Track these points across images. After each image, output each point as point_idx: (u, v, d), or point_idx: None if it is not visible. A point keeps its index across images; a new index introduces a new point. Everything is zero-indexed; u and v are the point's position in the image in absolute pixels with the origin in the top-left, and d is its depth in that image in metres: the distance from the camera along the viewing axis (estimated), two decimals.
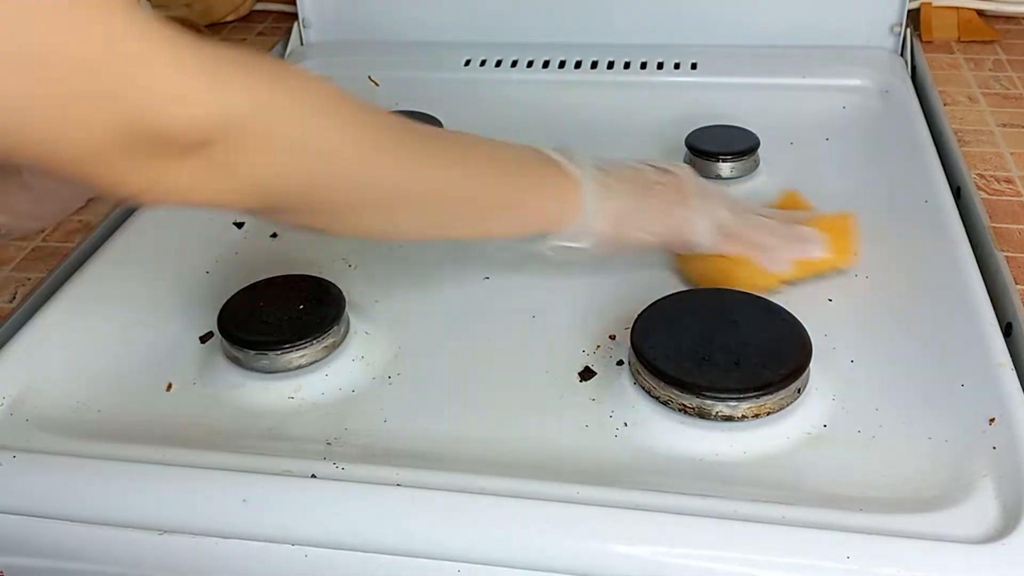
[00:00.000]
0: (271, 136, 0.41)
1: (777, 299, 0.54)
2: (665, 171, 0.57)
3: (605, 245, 0.55)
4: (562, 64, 0.87)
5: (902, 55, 0.86)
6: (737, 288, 0.55)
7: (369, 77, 0.71)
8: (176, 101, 0.38)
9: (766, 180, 0.70)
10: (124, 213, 0.70)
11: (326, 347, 0.54)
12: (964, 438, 0.48)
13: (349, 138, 0.46)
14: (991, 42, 0.89)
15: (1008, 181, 0.68)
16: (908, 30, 0.86)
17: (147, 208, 0.69)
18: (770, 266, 0.57)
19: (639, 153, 0.74)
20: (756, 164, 0.70)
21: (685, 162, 0.71)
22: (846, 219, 0.60)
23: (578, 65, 0.87)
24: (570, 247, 0.55)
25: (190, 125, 0.38)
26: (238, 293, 0.57)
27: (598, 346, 0.56)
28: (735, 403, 0.48)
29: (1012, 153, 0.71)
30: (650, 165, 0.58)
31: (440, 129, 0.54)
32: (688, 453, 0.48)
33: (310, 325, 0.54)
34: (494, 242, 0.61)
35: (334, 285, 0.57)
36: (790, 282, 0.58)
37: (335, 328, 0.54)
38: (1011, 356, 0.51)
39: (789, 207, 0.63)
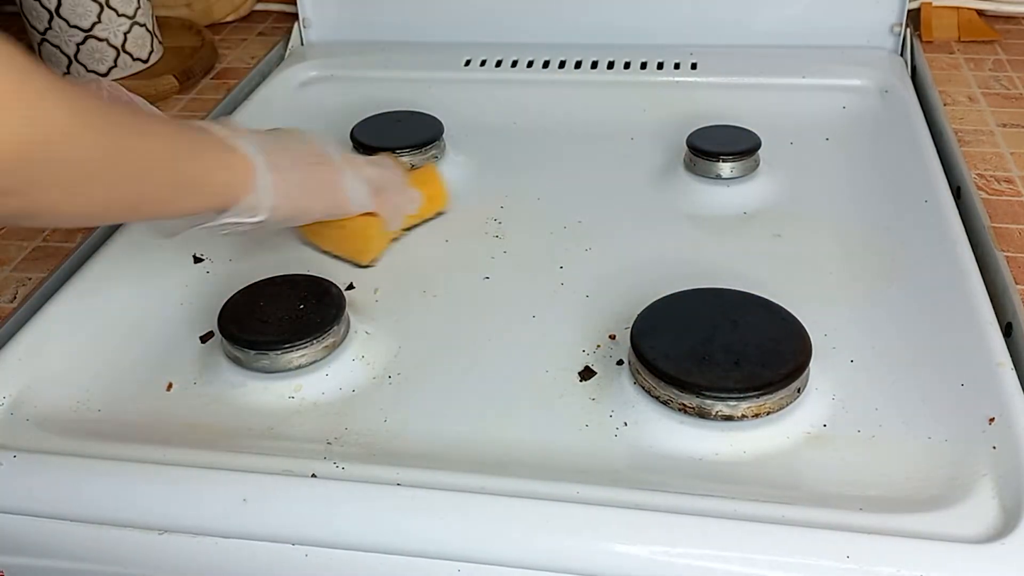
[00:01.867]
0: None
1: (777, 299, 0.54)
2: (310, 141, 0.61)
3: (276, 219, 0.57)
4: (562, 64, 0.87)
5: (902, 55, 0.86)
6: (352, 251, 0.63)
7: None
8: None
9: (766, 180, 0.70)
10: None
11: (326, 347, 0.54)
12: (964, 438, 0.48)
13: (62, 113, 0.43)
14: (991, 42, 0.89)
15: (1008, 181, 0.68)
16: (908, 30, 0.86)
17: None
18: (391, 224, 0.64)
19: (639, 153, 0.75)
20: (756, 164, 0.70)
21: (685, 162, 0.71)
22: (430, 171, 0.69)
23: (578, 65, 0.87)
24: (243, 222, 0.55)
25: None
26: (238, 293, 0.57)
27: (598, 346, 0.56)
28: (735, 403, 0.48)
29: (1012, 153, 0.71)
30: (291, 135, 0.60)
31: (125, 108, 0.54)
32: (688, 453, 0.48)
33: (310, 325, 0.54)
34: None
35: (334, 285, 0.57)
36: (398, 238, 0.66)
37: (335, 328, 0.54)
38: (1011, 356, 0.51)
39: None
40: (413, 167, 0.70)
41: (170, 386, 0.55)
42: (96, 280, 0.62)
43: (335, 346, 0.55)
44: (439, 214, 0.68)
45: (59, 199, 0.45)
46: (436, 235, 0.67)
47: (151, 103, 0.87)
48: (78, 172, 0.45)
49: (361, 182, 0.61)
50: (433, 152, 0.73)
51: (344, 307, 0.55)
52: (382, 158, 0.66)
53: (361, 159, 0.64)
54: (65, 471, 0.48)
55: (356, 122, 0.76)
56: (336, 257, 0.64)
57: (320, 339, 0.54)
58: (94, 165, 0.46)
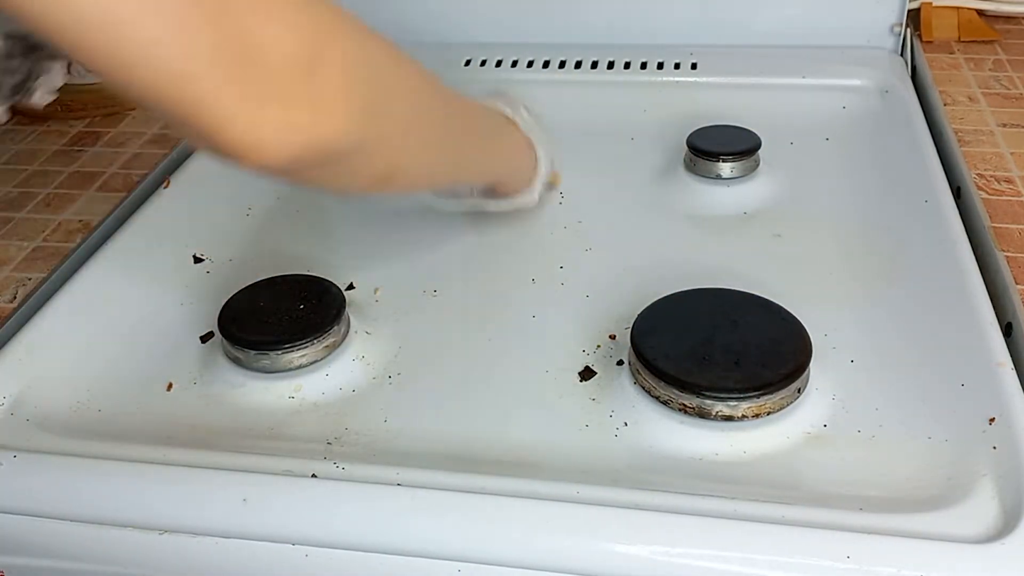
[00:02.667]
0: (362, 64, 0.41)
1: (777, 299, 0.54)
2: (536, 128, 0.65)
3: (535, 203, 0.64)
4: (562, 64, 0.87)
5: (902, 55, 0.86)
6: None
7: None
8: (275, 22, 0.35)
9: (766, 180, 0.70)
10: (124, 213, 0.70)
11: (326, 347, 0.54)
12: (964, 438, 0.48)
13: (416, 76, 0.47)
14: (991, 42, 0.89)
15: (1008, 181, 0.68)
16: (908, 30, 0.86)
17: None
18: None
19: (639, 153, 0.75)
20: (756, 164, 0.70)
21: (685, 162, 0.71)
22: None
23: (578, 65, 0.87)
24: (522, 205, 0.62)
25: (291, 42, 0.36)
26: (238, 293, 0.57)
27: (598, 346, 0.56)
28: (735, 403, 0.48)
29: (1012, 153, 0.71)
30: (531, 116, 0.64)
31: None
32: (688, 453, 0.48)
33: (310, 325, 0.54)
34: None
35: (334, 285, 0.57)
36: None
37: (335, 328, 0.54)
38: (1011, 356, 0.51)
39: None
40: None
41: (170, 386, 0.55)
42: (96, 280, 0.62)
43: (335, 346, 0.55)
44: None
45: (413, 156, 0.47)
46: (436, 235, 0.67)
47: None
48: (424, 126, 0.48)
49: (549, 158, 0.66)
50: None
51: (344, 307, 0.55)
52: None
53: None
54: (65, 471, 0.48)
55: None
56: None
57: (320, 339, 0.54)
58: (433, 122, 0.49)
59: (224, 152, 0.37)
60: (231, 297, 0.56)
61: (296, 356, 0.53)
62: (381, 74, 0.43)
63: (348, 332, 0.56)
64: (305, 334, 0.53)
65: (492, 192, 0.63)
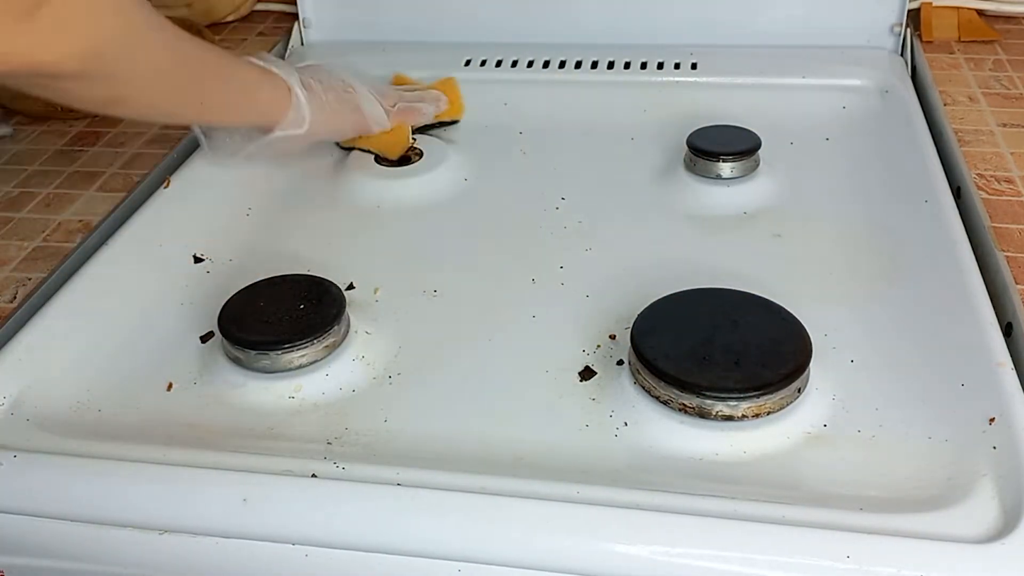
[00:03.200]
0: (84, 10, 0.49)
1: (777, 299, 0.54)
2: (335, 72, 0.71)
3: (315, 133, 0.67)
4: (562, 64, 0.87)
5: (902, 55, 0.86)
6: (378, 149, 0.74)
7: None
8: None
9: (766, 180, 0.70)
10: (124, 213, 0.70)
11: (326, 347, 0.54)
12: (964, 438, 0.48)
13: (144, 25, 0.55)
14: (991, 42, 0.89)
15: (1008, 181, 0.68)
16: (908, 30, 0.86)
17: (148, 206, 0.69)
18: (416, 118, 0.76)
19: (639, 153, 0.75)
20: (756, 164, 0.70)
21: (685, 162, 0.71)
22: (450, 81, 0.81)
23: (578, 65, 0.87)
24: (289, 135, 0.65)
25: None
26: (238, 293, 0.57)
27: (598, 346, 0.56)
28: (735, 403, 0.48)
29: (1012, 153, 0.71)
30: (310, 66, 0.70)
31: (180, 27, 0.61)
32: (688, 453, 0.48)
33: (310, 325, 0.54)
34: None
35: (334, 285, 0.57)
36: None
37: (335, 328, 0.54)
38: (1011, 356, 0.51)
39: (402, 83, 0.82)
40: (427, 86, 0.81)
41: (170, 386, 0.55)
42: (96, 280, 0.62)
43: (335, 346, 0.55)
44: (455, 122, 0.80)
45: (136, 90, 0.56)
46: (437, 235, 0.68)
47: None
48: (149, 67, 0.55)
49: (377, 105, 0.72)
50: None
51: (344, 307, 0.55)
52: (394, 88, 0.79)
53: (380, 85, 0.76)
54: (65, 471, 0.48)
55: None
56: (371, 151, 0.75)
57: (320, 339, 0.54)
58: (162, 63, 0.56)
59: None
60: (231, 297, 0.56)
61: (296, 356, 0.53)
62: (103, 21, 0.50)
63: (348, 332, 0.56)
64: (305, 334, 0.53)
65: (261, 133, 0.66)
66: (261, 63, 0.65)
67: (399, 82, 0.83)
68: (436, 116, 0.79)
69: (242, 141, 0.65)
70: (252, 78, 0.64)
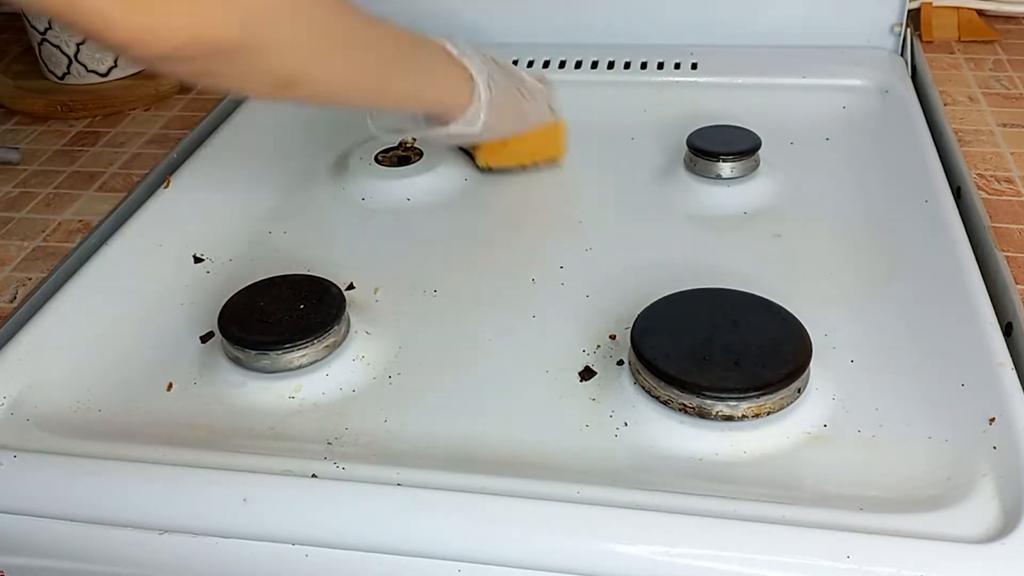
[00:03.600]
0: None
1: (777, 299, 0.54)
2: (511, 67, 0.70)
3: (487, 133, 0.66)
4: (562, 64, 0.87)
5: (902, 55, 0.86)
6: (547, 154, 0.73)
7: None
8: None
9: (766, 180, 0.70)
10: (124, 213, 0.70)
11: (327, 347, 0.54)
12: (964, 438, 0.48)
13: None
14: (991, 42, 0.89)
15: (1008, 181, 0.68)
16: (908, 30, 0.86)
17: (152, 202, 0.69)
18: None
19: (640, 153, 0.75)
20: (756, 164, 0.70)
21: (685, 162, 0.71)
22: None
23: (578, 65, 0.87)
24: (464, 133, 0.65)
25: None
26: (238, 293, 0.57)
27: (598, 346, 0.56)
28: (735, 403, 0.48)
29: (1012, 153, 0.71)
30: (502, 63, 0.69)
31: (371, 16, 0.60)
32: (688, 453, 0.48)
33: (310, 325, 0.54)
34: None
35: (334, 285, 0.57)
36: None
37: (335, 328, 0.54)
38: (1011, 356, 0.51)
39: None
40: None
41: (170, 386, 0.55)
42: (96, 280, 0.62)
43: (335, 346, 0.55)
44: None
45: (309, 67, 0.53)
46: (437, 235, 0.68)
47: (151, 103, 0.87)
48: (321, 40, 0.53)
49: (544, 105, 0.71)
50: None
51: (344, 307, 0.55)
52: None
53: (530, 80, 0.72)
54: (65, 471, 0.48)
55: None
56: (523, 166, 0.73)
57: (320, 339, 0.54)
58: (337, 37, 0.54)
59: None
60: (231, 297, 0.56)
61: (296, 356, 0.53)
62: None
63: (348, 332, 0.56)
64: (305, 334, 0.53)
65: (431, 121, 0.66)
66: (455, 50, 0.64)
67: None
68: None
69: (409, 122, 0.66)
70: (440, 67, 0.63)
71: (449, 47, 0.64)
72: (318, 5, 0.52)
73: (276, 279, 0.58)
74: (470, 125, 0.64)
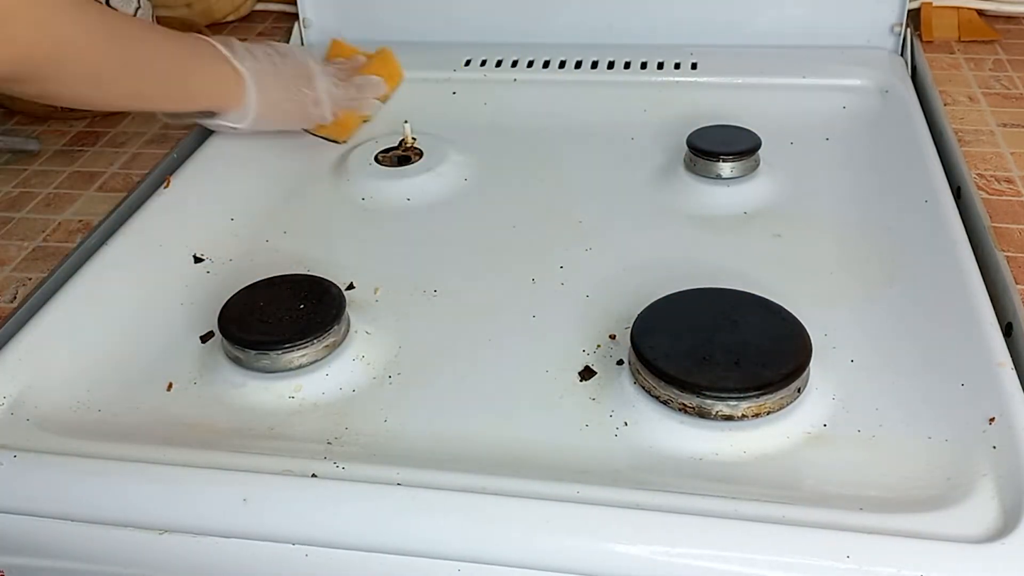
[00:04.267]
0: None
1: (777, 299, 0.54)
2: (291, 57, 0.74)
3: (257, 128, 0.72)
4: (562, 64, 0.87)
5: (902, 55, 0.86)
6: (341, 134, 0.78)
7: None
8: None
9: (766, 180, 0.70)
10: (124, 213, 0.70)
11: (327, 346, 0.54)
12: (964, 438, 0.48)
13: (70, 23, 0.56)
14: (991, 42, 0.89)
15: (1008, 181, 0.68)
16: (908, 30, 0.86)
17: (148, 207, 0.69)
18: (363, 110, 0.80)
19: (640, 153, 0.75)
20: (756, 164, 0.70)
21: (685, 162, 0.71)
22: (385, 53, 0.84)
23: (578, 65, 0.87)
24: (227, 126, 0.71)
25: None
26: (238, 293, 0.57)
27: (598, 346, 0.56)
28: (735, 403, 0.48)
29: (1012, 153, 0.71)
30: (278, 52, 0.73)
31: (127, 20, 0.67)
32: (688, 453, 0.48)
33: (311, 324, 0.54)
34: None
35: (334, 285, 0.57)
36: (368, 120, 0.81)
37: (335, 328, 0.54)
38: (1011, 356, 0.51)
39: (340, 55, 0.84)
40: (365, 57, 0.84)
41: (170, 386, 0.55)
42: (96, 280, 0.62)
43: (335, 346, 0.55)
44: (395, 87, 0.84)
45: (68, 90, 0.59)
46: (437, 235, 0.68)
47: None
48: (83, 71, 0.58)
49: (326, 100, 0.75)
50: None
51: (344, 307, 0.55)
52: (342, 64, 0.81)
53: (331, 69, 0.78)
54: (65, 471, 0.48)
55: None
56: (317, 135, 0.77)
57: (320, 339, 0.54)
58: (97, 67, 0.59)
59: None
60: (231, 297, 0.56)
61: (296, 356, 0.53)
62: (31, 29, 0.53)
63: (348, 332, 0.56)
64: (305, 334, 0.53)
65: (204, 113, 0.71)
66: (228, 52, 0.68)
67: (337, 52, 0.85)
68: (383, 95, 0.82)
69: (194, 113, 0.71)
70: (203, 71, 0.67)
71: (223, 49, 0.68)
72: (79, 39, 0.57)
73: (276, 279, 0.58)
74: (238, 121, 0.71)
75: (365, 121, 0.81)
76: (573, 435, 0.50)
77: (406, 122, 0.76)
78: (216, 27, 1.02)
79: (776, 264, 0.62)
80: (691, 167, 0.70)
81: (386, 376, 0.55)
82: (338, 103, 0.76)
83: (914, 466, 0.47)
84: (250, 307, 0.56)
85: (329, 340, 0.54)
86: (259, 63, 0.71)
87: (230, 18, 1.03)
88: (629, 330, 0.52)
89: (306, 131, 0.78)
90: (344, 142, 0.78)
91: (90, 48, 0.58)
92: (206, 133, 0.81)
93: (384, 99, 0.83)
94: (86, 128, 0.83)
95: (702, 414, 0.49)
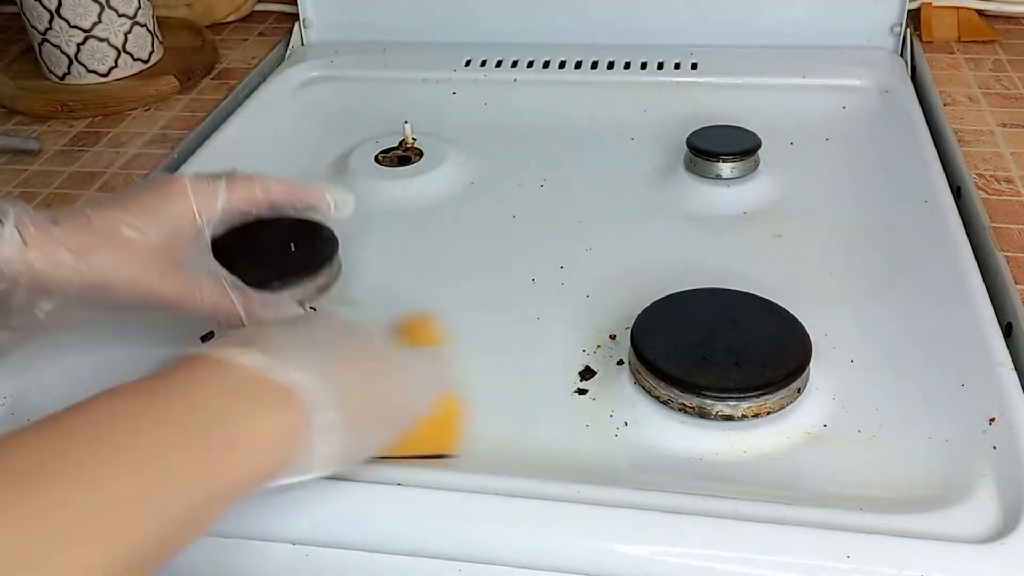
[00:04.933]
0: None
1: (777, 299, 0.54)
2: (362, 335, 0.45)
3: (340, 464, 0.41)
4: (562, 64, 0.87)
5: (902, 55, 0.86)
6: (439, 446, 0.48)
7: None
8: None
9: (766, 180, 0.70)
10: None
11: (318, 287, 0.53)
12: (964, 438, 0.48)
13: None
14: (991, 42, 0.89)
15: (1008, 181, 0.68)
16: (908, 30, 0.86)
17: None
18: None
19: (640, 153, 0.75)
20: (756, 164, 0.70)
21: (685, 162, 0.71)
22: (424, 320, 0.51)
23: (578, 65, 0.87)
24: (294, 479, 0.40)
25: None
26: (229, 232, 0.53)
27: (598, 346, 0.56)
28: (735, 403, 0.48)
29: (1012, 153, 0.71)
30: (343, 328, 0.45)
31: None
32: (688, 453, 0.48)
33: (303, 265, 0.53)
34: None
35: (326, 227, 0.56)
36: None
37: (327, 270, 0.53)
38: (1011, 356, 0.51)
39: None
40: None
41: None
42: None
43: (327, 287, 0.54)
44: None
45: None
46: (437, 235, 0.67)
47: (151, 103, 0.87)
48: None
49: (421, 384, 0.46)
50: None
51: (337, 248, 0.54)
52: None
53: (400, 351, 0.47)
54: None
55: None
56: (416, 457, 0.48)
57: (313, 279, 0.53)
58: None
59: None
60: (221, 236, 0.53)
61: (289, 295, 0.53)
62: None
63: (340, 273, 0.55)
64: (297, 273, 0.52)
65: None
66: (254, 360, 0.38)
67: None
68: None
69: None
70: (237, 444, 0.36)
71: (266, 370, 0.38)
72: None
73: (267, 221, 0.54)
74: (303, 472, 0.39)
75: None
76: (573, 435, 0.50)
77: (406, 122, 0.76)
78: (216, 27, 1.02)
79: (776, 264, 0.62)
80: (691, 167, 0.70)
81: None
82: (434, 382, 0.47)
83: (914, 466, 0.47)
84: (242, 248, 0.52)
85: (321, 280, 0.53)
86: (317, 362, 0.40)
87: (230, 18, 1.03)
88: (629, 330, 0.52)
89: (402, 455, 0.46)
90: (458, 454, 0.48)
91: None
92: (206, 133, 0.81)
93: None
94: (86, 128, 0.83)
95: (702, 414, 0.49)
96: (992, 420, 0.48)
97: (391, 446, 0.45)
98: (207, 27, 1.00)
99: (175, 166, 0.75)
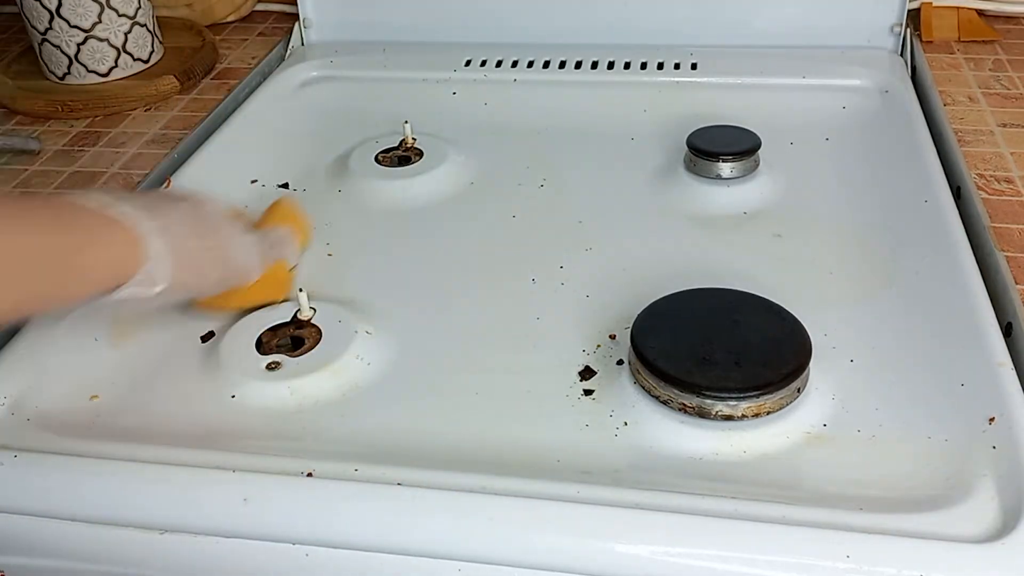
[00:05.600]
0: None
1: (777, 299, 0.54)
2: (197, 204, 0.56)
3: (177, 288, 0.52)
4: (562, 64, 0.87)
5: (902, 55, 0.86)
6: (256, 302, 0.58)
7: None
8: None
9: (766, 180, 0.70)
10: None
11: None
12: (964, 438, 0.48)
13: None
14: (991, 42, 0.89)
15: (1008, 181, 0.68)
16: (908, 30, 0.86)
17: None
18: (292, 260, 0.62)
19: (640, 153, 0.75)
20: (756, 164, 0.70)
21: (685, 162, 0.71)
22: (284, 204, 0.64)
23: (578, 65, 0.87)
24: (141, 296, 0.50)
25: None
26: None
27: (598, 346, 0.56)
28: (735, 403, 0.48)
29: (1012, 153, 0.71)
30: (181, 195, 0.57)
31: None
32: (688, 453, 0.48)
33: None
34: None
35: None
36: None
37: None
38: (1011, 356, 0.51)
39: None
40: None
41: (170, 386, 0.55)
42: None
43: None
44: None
45: None
46: (437, 235, 0.68)
47: (151, 103, 0.87)
48: None
49: (249, 248, 0.57)
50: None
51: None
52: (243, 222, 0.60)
53: (239, 224, 0.58)
54: (65, 471, 0.48)
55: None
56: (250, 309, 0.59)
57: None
58: None
59: None
60: None
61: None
62: None
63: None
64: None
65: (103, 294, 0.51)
66: (101, 201, 0.50)
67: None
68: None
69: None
70: (87, 242, 0.49)
71: (94, 201, 0.50)
72: None
73: None
74: (145, 286, 0.50)
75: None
76: (573, 435, 0.50)
77: (406, 122, 0.76)
78: (216, 27, 1.02)
79: (776, 264, 0.62)
80: (691, 167, 0.70)
81: (386, 376, 0.55)
82: (264, 256, 0.58)
83: (914, 466, 0.47)
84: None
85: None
86: (156, 206, 0.52)
87: (230, 18, 1.03)
88: (629, 330, 0.52)
89: (218, 305, 0.58)
90: (286, 300, 0.59)
91: None
92: (206, 133, 0.81)
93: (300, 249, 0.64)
94: (86, 128, 0.83)
95: (702, 414, 0.49)
96: (992, 420, 0.48)
97: (225, 297, 0.57)
98: (207, 27, 1.00)
99: (174, 167, 0.75)
